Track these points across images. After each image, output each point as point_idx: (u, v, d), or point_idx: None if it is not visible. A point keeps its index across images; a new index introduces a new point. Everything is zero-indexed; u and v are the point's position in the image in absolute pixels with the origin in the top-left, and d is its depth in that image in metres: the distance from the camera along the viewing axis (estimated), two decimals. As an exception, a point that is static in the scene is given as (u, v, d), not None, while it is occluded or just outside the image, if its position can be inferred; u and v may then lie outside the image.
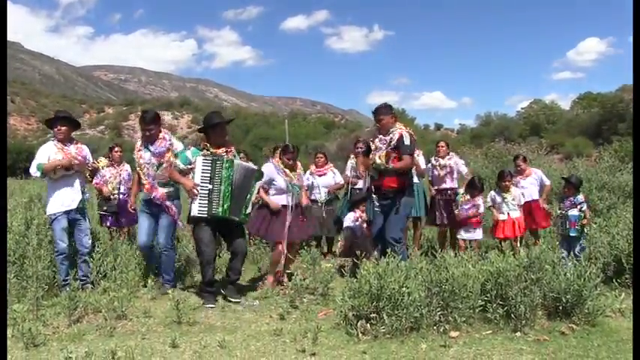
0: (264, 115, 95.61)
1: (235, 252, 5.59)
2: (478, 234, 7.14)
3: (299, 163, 6.33)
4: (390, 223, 5.88)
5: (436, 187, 7.88)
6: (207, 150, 5.45)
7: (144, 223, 5.83)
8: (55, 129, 5.71)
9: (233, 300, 5.43)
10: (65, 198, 5.59)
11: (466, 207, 7.06)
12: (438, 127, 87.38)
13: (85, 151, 5.87)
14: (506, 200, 7.11)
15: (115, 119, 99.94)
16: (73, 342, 4.23)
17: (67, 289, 5.16)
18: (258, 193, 5.84)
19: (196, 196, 5.33)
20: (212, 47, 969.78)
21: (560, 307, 4.66)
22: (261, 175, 5.77)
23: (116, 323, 4.62)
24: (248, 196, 5.52)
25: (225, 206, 5.35)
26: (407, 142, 5.83)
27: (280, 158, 6.21)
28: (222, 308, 5.23)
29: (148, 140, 5.73)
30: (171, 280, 5.87)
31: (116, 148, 8.15)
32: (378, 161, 5.81)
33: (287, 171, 6.09)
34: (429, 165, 7.93)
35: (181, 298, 4.85)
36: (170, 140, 5.78)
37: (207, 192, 5.33)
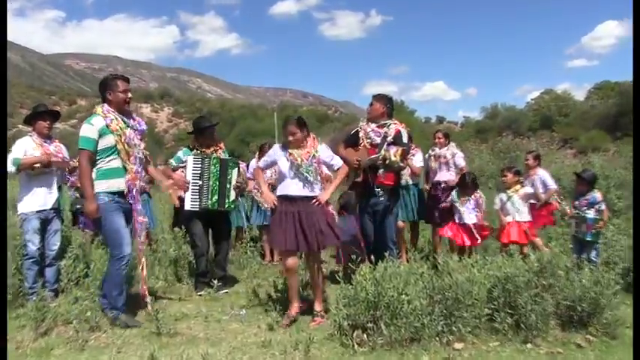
0: (252, 107, 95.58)
1: (219, 249, 6.43)
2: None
3: (314, 142, 5.21)
4: (387, 224, 5.96)
5: (432, 181, 7.92)
6: (197, 150, 6.37)
7: (122, 224, 4.92)
8: (45, 123, 5.80)
9: (221, 291, 6.13)
10: (40, 197, 5.63)
11: (470, 207, 6.98)
12: (440, 119, 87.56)
13: (64, 150, 5.97)
14: (511, 200, 7.03)
15: (88, 112, 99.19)
16: (40, 358, 4.20)
17: (34, 298, 5.14)
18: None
19: (187, 189, 6.16)
20: (195, 34, 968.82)
21: (575, 317, 4.66)
22: (235, 163, 6.42)
23: (88, 335, 4.59)
24: (228, 186, 6.32)
25: (214, 199, 6.24)
26: (405, 139, 5.94)
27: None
28: (205, 318, 5.23)
29: (126, 111, 5.08)
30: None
31: None
32: (394, 158, 5.78)
33: (292, 151, 5.09)
34: (426, 156, 7.98)
35: (161, 307, 4.83)
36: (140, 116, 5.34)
37: (198, 187, 6.22)
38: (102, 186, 4.89)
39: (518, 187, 7.05)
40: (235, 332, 4.82)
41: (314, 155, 5.09)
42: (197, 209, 6.21)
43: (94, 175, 4.88)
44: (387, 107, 6.13)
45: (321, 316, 5.06)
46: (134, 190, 4.99)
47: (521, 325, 4.48)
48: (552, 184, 7.79)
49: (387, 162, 5.77)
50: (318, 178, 5.16)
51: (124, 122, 4.97)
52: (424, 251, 7.83)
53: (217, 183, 6.25)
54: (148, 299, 5.25)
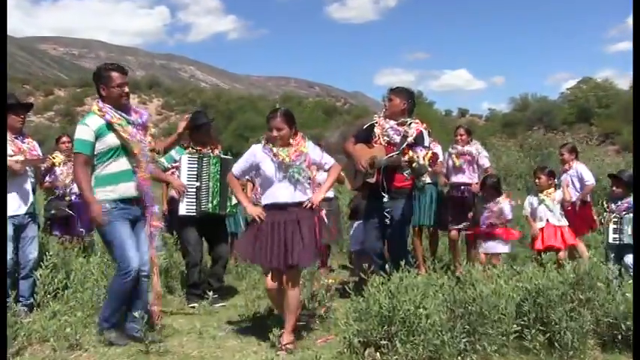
0: (251, 98, 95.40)
1: (217, 257, 6.54)
2: (501, 247, 6.98)
3: (300, 139, 5.03)
4: (402, 231, 6.09)
5: (450, 182, 7.93)
6: (192, 148, 6.44)
7: (127, 234, 4.84)
8: (19, 117, 5.75)
9: (217, 304, 6.19)
10: (13, 201, 5.58)
11: (485, 214, 7.01)
12: (463, 112, 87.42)
13: (37, 148, 5.98)
14: (545, 203, 7.03)
15: (67, 104, 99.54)
16: (13, 379, 4.21)
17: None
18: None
19: (185, 193, 6.21)
20: (188, 16, 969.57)
21: (619, 336, 4.64)
22: None
23: (68, 355, 4.60)
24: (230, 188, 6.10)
25: (215, 202, 6.29)
26: (427, 142, 5.98)
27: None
28: (199, 334, 5.24)
29: (123, 105, 4.92)
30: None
31: (64, 139, 8.19)
32: (423, 162, 5.61)
33: (276, 151, 4.90)
34: (445, 154, 7.97)
35: (150, 322, 4.83)
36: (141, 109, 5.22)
37: (194, 190, 6.25)
38: (104, 193, 4.80)
39: (551, 190, 7.06)
40: (233, 350, 4.82)
41: (302, 153, 4.92)
42: (194, 214, 6.25)
43: (92, 182, 4.82)
44: (409, 103, 6.15)
45: (287, 350, 4.75)
46: (149, 192, 4.98)
47: (554, 344, 4.48)
48: (590, 179, 7.80)
49: (414, 165, 5.62)
50: (309, 181, 5.02)
51: (125, 119, 4.84)
52: (444, 260, 7.83)
53: (218, 184, 6.29)
54: (158, 320, 5.09)
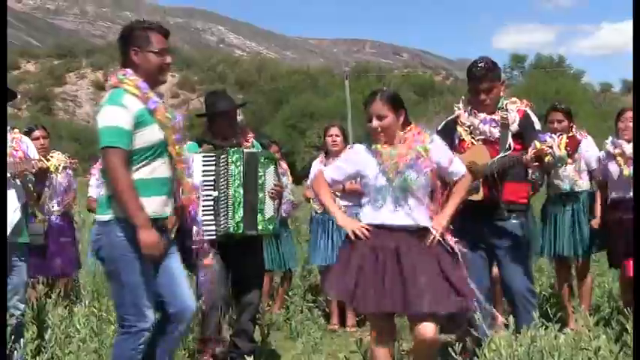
0: (309, 72, 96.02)
1: (244, 304, 6.39)
2: None
3: (418, 133, 5.06)
4: (518, 263, 6.00)
5: (613, 196, 7.67)
6: (209, 143, 6.40)
7: (147, 274, 4.73)
8: None
9: None
10: None
11: None
12: (630, 86, 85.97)
13: (27, 144, 5.94)
14: None
15: (41, 82, 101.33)
16: None
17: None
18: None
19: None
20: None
21: None
22: (270, 158, 6.42)
23: None
24: (261, 195, 6.27)
25: (238, 217, 6.18)
26: (537, 125, 6.00)
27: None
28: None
29: (160, 83, 4.97)
30: None
31: (37, 133, 8.05)
32: (560, 153, 5.44)
33: (381, 150, 4.97)
34: (601, 155, 7.71)
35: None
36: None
37: (212, 202, 6.15)
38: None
39: None
40: None
41: (419, 154, 4.90)
42: (213, 236, 6.05)
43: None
44: (504, 82, 6.15)
45: None
46: (196, 216, 5.15)
47: None
48: None
49: (548, 159, 5.47)
50: (426, 197, 5.02)
51: (170, 110, 4.85)
52: (602, 310, 7.69)
53: (241, 192, 6.20)
54: None
